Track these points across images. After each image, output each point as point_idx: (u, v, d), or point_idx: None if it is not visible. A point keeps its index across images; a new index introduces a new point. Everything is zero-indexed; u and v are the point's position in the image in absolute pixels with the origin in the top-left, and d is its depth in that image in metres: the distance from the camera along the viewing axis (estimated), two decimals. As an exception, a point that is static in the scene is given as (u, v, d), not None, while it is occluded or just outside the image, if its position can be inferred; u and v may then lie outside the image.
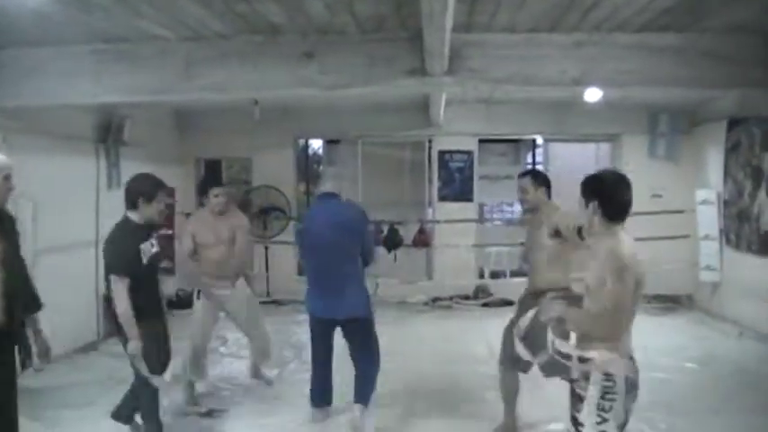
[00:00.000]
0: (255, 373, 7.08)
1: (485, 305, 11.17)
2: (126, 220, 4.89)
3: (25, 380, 7.01)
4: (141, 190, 4.88)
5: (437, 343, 8.94)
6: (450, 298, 11.41)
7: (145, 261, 4.81)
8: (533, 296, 5.18)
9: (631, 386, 3.43)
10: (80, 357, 7.73)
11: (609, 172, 3.83)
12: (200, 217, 6.52)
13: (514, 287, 11.44)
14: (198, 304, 6.41)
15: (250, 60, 6.26)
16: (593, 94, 8.67)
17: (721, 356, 7.85)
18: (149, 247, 4.89)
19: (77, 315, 7.91)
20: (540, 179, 5.43)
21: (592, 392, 3.42)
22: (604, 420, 3.38)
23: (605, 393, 3.39)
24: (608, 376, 3.40)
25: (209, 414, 6.09)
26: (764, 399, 6.41)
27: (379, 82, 6.23)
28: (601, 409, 3.39)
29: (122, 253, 4.73)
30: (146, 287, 4.82)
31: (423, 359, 8.02)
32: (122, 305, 4.65)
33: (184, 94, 6.51)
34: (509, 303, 11.07)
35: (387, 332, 8.35)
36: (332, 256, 5.53)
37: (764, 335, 8.36)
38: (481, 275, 12.28)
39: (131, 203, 4.87)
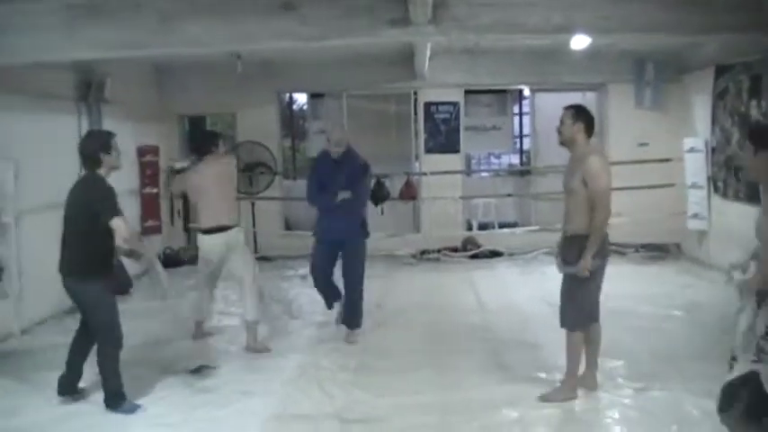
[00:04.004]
0: (199, 332, 7.08)
1: (473, 257, 11.19)
2: (95, 174, 5.14)
3: (12, 342, 7.04)
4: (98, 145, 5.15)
5: (426, 295, 8.95)
6: (438, 250, 11.40)
7: None
8: (567, 241, 5.23)
9: None
10: (68, 319, 7.68)
11: None
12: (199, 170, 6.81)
13: (502, 238, 11.56)
14: (202, 250, 6.77)
15: (228, 13, 6.11)
16: (579, 42, 8.58)
17: (707, 304, 7.89)
18: None
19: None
20: (582, 115, 5.20)
21: (756, 327, 3.42)
22: (759, 360, 3.35)
23: None
24: None
25: (198, 371, 6.08)
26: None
27: (360, 32, 6.12)
28: (760, 349, 3.36)
29: (113, 196, 5.03)
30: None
31: (411, 311, 8.03)
32: (128, 231, 5.03)
33: (161, 48, 6.37)
34: (497, 255, 11.14)
35: (375, 286, 8.39)
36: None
37: (751, 281, 8.40)
38: (469, 227, 12.29)
39: (95, 161, 5.11)
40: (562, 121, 5.23)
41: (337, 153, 6.64)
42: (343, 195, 6.55)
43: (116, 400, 5.18)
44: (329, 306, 7.18)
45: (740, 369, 3.40)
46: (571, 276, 5.16)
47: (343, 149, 6.66)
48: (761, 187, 3.72)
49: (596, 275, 5.14)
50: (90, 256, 5.05)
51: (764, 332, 3.35)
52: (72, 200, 5.11)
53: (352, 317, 6.93)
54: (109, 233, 4.95)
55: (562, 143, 5.29)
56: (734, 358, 3.51)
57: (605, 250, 5.18)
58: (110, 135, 5.26)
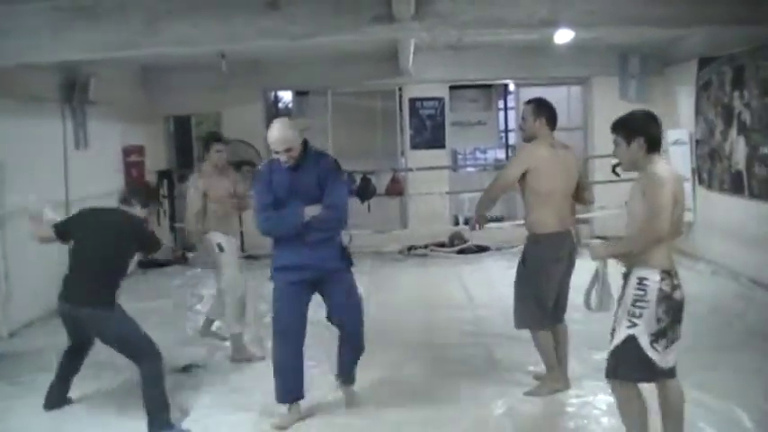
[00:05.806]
0: (206, 331, 6.90)
1: (460, 252, 11.21)
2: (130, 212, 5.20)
3: (0, 345, 7.00)
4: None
5: (414, 291, 8.98)
6: (426, 246, 11.42)
7: None
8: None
9: (664, 298, 3.76)
10: (55, 321, 7.67)
11: (643, 112, 4.01)
12: (207, 172, 6.53)
13: (489, 233, 11.51)
14: (226, 257, 6.39)
15: (214, 12, 6.08)
16: (563, 36, 8.60)
17: (695, 295, 7.86)
18: None
19: (50, 278, 7.78)
20: (543, 109, 5.14)
21: (625, 299, 3.83)
22: (634, 325, 3.75)
23: (636, 300, 3.77)
24: (640, 285, 3.77)
25: (188, 369, 6.08)
26: (737, 335, 6.52)
27: (345, 30, 6.11)
28: (631, 314, 3.77)
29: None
30: None
31: (400, 307, 8.05)
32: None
33: (148, 48, 6.34)
34: (484, 249, 11.17)
35: (363, 282, 8.35)
36: None
37: (737, 273, 8.46)
38: (456, 222, 12.33)
39: (128, 204, 5.22)
40: (524, 118, 5.24)
41: (287, 161, 4.70)
42: (313, 211, 4.67)
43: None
44: (286, 398, 4.95)
45: (619, 337, 3.81)
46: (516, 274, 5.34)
47: (294, 154, 4.68)
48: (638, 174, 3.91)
49: (535, 275, 5.18)
50: (116, 288, 4.99)
51: (631, 302, 3.78)
52: (110, 231, 5.00)
53: (349, 371, 5.26)
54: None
55: (525, 139, 5.32)
56: (614, 329, 3.88)
57: (551, 249, 5.16)
58: (154, 203, 5.71)
